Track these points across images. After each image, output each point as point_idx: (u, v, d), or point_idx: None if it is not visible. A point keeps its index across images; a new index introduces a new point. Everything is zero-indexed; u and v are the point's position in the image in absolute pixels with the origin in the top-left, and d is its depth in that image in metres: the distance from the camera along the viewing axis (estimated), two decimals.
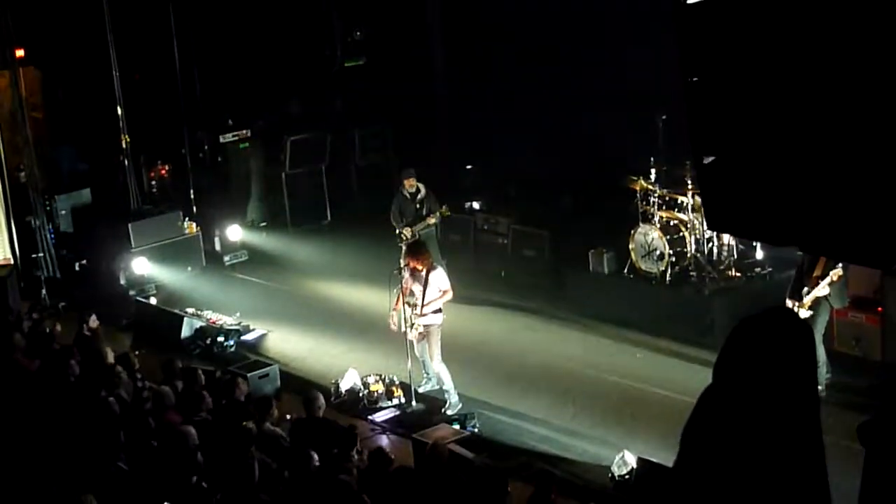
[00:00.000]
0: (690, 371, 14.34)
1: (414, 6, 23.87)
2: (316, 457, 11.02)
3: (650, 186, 17.35)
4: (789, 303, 13.74)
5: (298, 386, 15.53)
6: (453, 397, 14.69)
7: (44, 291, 19.80)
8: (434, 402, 14.97)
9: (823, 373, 14.02)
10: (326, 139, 23.37)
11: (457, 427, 13.72)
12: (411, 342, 14.95)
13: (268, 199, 23.60)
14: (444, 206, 18.43)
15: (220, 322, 17.95)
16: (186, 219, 21.57)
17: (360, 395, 15.16)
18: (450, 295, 15.03)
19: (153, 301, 19.67)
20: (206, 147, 23.42)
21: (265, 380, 15.29)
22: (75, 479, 10.89)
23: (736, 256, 17.08)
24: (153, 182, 23.72)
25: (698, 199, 16.43)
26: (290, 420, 13.30)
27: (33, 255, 20.60)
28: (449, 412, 14.54)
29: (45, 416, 12.56)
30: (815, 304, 13.83)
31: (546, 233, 19.24)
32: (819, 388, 13.86)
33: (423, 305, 14.70)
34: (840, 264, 13.56)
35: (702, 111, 4.29)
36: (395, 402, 15.03)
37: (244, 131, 23.24)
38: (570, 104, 20.66)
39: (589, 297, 17.95)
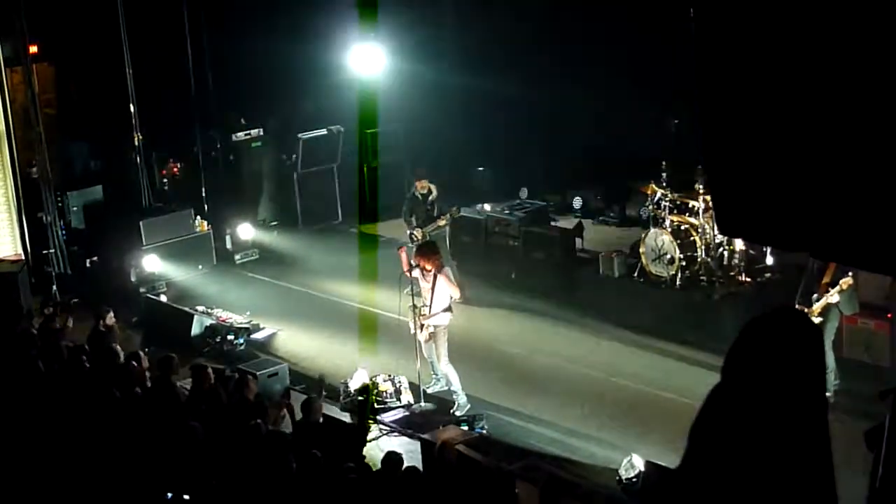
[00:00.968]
0: (699, 375, 14.31)
1: (428, 7, 23.89)
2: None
3: (661, 190, 17.36)
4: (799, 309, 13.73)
5: (308, 385, 15.56)
6: (461, 398, 14.70)
7: (54, 288, 19.83)
8: (442, 403, 14.99)
9: (832, 379, 14.00)
10: (339, 139, 23.38)
11: (465, 428, 13.73)
12: (420, 342, 14.97)
13: (279, 198, 23.62)
14: (454, 208, 18.44)
15: (231, 320, 17.98)
16: (198, 217, 21.60)
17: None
18: (457, 295, 15.05)
19: (163, 298, 19.67)
20: (218, 146, 23.46)
21: (274, 378, 15.30)
22: (86, 473, 10.95)
23: (746, 261, 17.07)
24: (165, 180, 23.75)
25: (709, 203, 16.44)
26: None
27: (44, 252, 20.62)
28: (457, 413, 14.56)
29: (57, 412, 12.61)
30: (825, 311, 13.81)
31: (557, 235, 19.23)
32: (828, 394, 13.82)
33: (431, 306, 14.72)
34: (850, 271, 13.54)
35: (714, 115, 4.29)
36: (404, 402, 15.05)
37: (256, 130, 23.28)
38: (582, 108, 20.69)
39: (599, 300, 17.95)
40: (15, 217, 20.35)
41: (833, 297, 13.73)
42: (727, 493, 3.40)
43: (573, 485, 12.60)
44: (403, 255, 15.04)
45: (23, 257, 20.10)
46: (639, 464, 12.34)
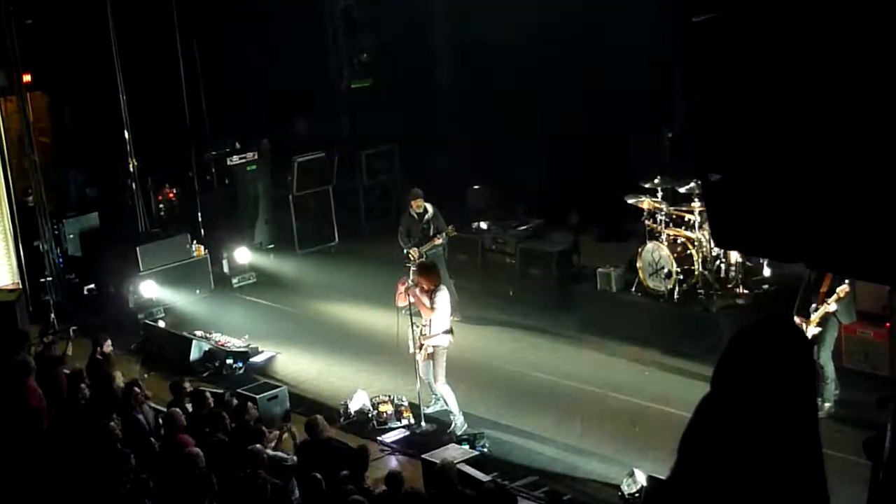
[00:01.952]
0: (699, 389, 14.12)
1: (418, 27, 23.95)
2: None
3: (657, 204, 17.36)
4: (797, 319, 13.71)
5: (308, 408, 15.55)
6: (458, 418, 14.69)
7: (52, 316, 19.82)
8: (443, 423, 14.97)
9: (832, 389, 14.00)
10: (334, 160, 23.40)
11: (466, 447, 13.71)
12: (419, 362, 14.95)
13: (275, 221, 23.63)
14: (450, 226, 18.45)
15: (229, 344, 17.96)
16: (194, 242, 21.60)
17: (370, 416, 15.17)
18: (438, 315, 14.82)
19: (162, 324, 19.67)
20: (213, 170, 23.48)
21: (274, 402, 15.28)
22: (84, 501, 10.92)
23: (744, 273, 17.06)
24: (161, 205, 23.75)
25: (705, 216, 16.45)
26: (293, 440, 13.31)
27: (41, 280, 20.63)
28: (457, 433, 14.54)
29: (55, 440, 12.58)
30: (824, 321, 13.81)
31: (553, 251, 19.23)
32: (828, 404, 13.80)
33: (430, 326, 14.70)
34: (846, 280, 13.55)
35: (707, 127, 4.30)
36: (405, 422, 15.04)
37: (251, 153, 23.30)
38: (576, 123, 20.70)
39: (597, 315, 17.94)
40: (11, 245, 20.35)
41: (830, 306, 13.73)
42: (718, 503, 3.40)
43: (575, 502, 12.60)
44: (402, 288, 14.94)
45: (20, 286, 20.08)
46: (640, 479, 12.33)
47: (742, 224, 4.21)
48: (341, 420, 15.14)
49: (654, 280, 17.36)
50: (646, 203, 17.48)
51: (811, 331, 13.67)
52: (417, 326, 14.79)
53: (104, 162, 23.13)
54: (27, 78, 21.42)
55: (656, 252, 17.20)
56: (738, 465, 3.35)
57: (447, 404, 14.77)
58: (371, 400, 15.35)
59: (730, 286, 17.02)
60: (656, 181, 17.39)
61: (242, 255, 22.11)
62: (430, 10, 23.87)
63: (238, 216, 23.41)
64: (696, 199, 16.82)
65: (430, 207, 18.40)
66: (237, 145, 23.31)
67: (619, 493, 12.52)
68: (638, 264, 17.52)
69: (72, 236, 22.24)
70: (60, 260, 21.35)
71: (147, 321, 19.65)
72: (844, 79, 3.74)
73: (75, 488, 11.59)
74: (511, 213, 21.16)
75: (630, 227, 20.07)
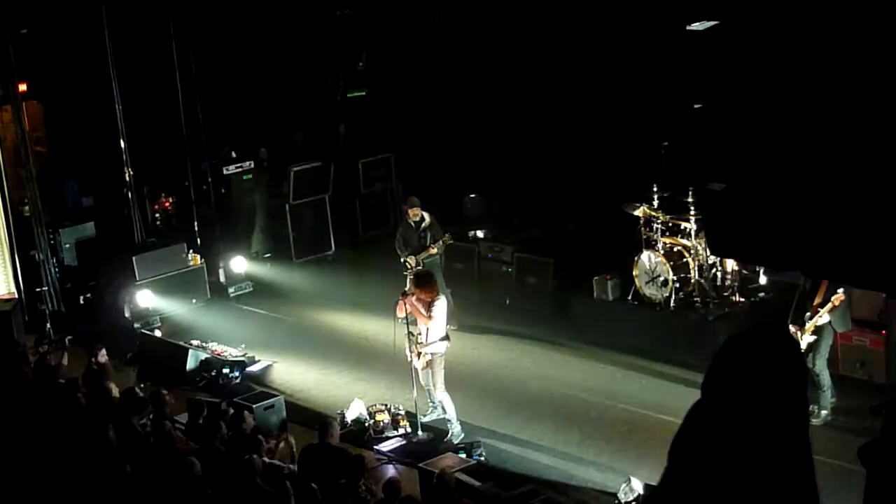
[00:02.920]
0: (695, 396, 14.26)
1: (415, 36, 23.99)
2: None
3: (653, 213, 17.38)
4: (792, 328, 13.73)
5: (304, 417, 15.55)
6: (455, 427, 14.69)
7: (48, 325, 19.80)
8: (439, 432, 14.96)
9: (828, 396, 14.02)
10: (330, 169, 23.41)
11: (463, 456, 13.71)
12: (416, 371, 14.95)
13: (272, 230, 23.63)
14: (447, 235, 18.45)
15: (226, 354, 17.94)
16: (190, 251, 21.58)
17: (366, 425, 15.17)
18: (435, 324, 14.83)
19: (158, 333, 19.65)
20: (209, 179, 23.48)
21: (271, 411, 15.27)
22: None
23: (740, 281, 17.08)
24: (157, 214, 23.74)
25: (701, 224, 16.47)
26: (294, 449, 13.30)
27: (37, 289, 20.62)
28: (453, 441, 14.53)
29: (51, 450, 12.56)
30: (819, 329, 13.83)
31: (550, 260, 19.24)
32: (824, 412, 13.81)
33: (427, 334, 14.71)
34: (841, 288, 13.57)
35: (705, 138, 4.32)
36: (401, 431, 15.03)
37: (247, 162, 23.31)
38: (572, 131, 20.72)
39: (593, 324, 17.96)
40: (7, 255, 20.35)
41: (824, 317, 13.75)
42: None
43: None
44: (401, 303, 14.90)
45: (16, 296, 20.07)
46: (637, 487, 12.34)
47: (738, 233, 4.23)
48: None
49: (650, 288, 17.38)
50: (642, 211, 17.50)
51: (806, 339, 13.69)
52: (414, 335, 14.78)
53: (100, 171, 23.13)
54: (23, 87, 21.44)
55: (652, 260, 17.22)
56: (728, 472, 3.36)
57: (445, 412, 14.76)
58: (368, 409, 15.35)
59: (726, 294, 17.04)
60: (652, 190, 17.41)
61: (239, 264, 22.10)
62: (427, 18, 23.89)
63: (234, 225, 23.40)
64: (692, 208, 16.84)
65: (427, 216, 18.39)
66: (233, 154, 23.32)
67: (616, 501, 12.53)
68: (634, 273, 17.54)
69: (68, 246, 22.22)
70: (56, 269, 21.33)
71: (143, 330, 19.64)
72: (841, 91, 3.76)
73: (71, 495, 11.59)
74: (508, 221, 21.16)
75: (626, 235, 20.09)
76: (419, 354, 14.75)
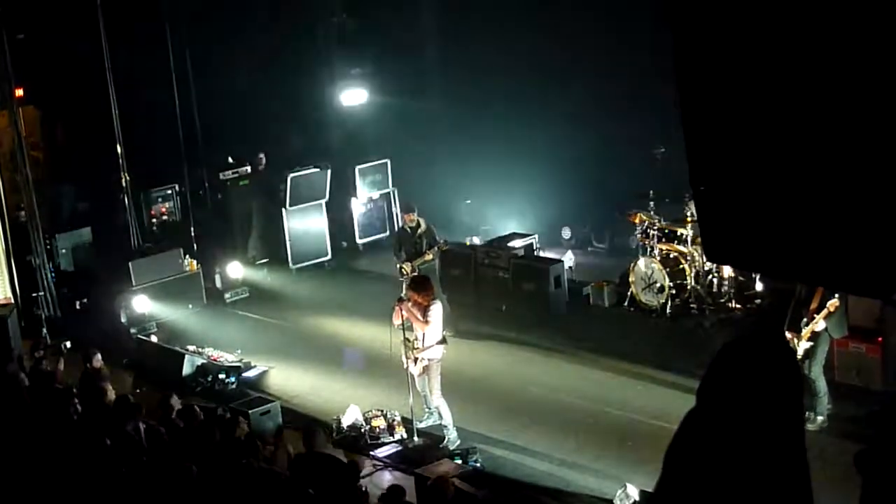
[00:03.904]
0: (692, 403, 14.25)
1: (412, 41, 24.02)
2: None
3: (649, 219, 17.39)
4: (788, 335, 13.72)
5: (300, 422, 15.52)
6: (451, 433, 14.67)
7: (44, 330, 19.79)
8: (435, 438, 14.95)
9: (825, 403, 14.00)
10: (327, 175, 23.42)
11: (459, 462, 13.69)
12: (412, 376, 14.94)
13: (268, 236, 23.62)
14: (442, 241, 18.45)
15: (222, 359, 17.93)
16: (187, 256, 21.58)
17: (362, 430, 15.15)
18: (432, 328, 14.83)
19: (154, 339, 19.64)
20: (206, 184, 23.45)
21: (266, 416, 15.25)
22: None
23: (736, 288, 17.09)
24: (153, 220, 23.74)
25: (697, 230, 16.49)
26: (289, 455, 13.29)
27: (34, 294, 20.60)
28: (449, 447, 14.52)
29: (47, 455, 12.54)
30: (815, 335, 13.82)
31: (547, 266, 19.24)
32: (820, 418, 13.77)
33: (423, 339, 14.69)
34: (836, 294, 13.56)
35: (699, 142, 4.32)
36: (397, 437, 15.02)
37: (244, 168, 23.31)
38: (568, 138, 20.74)
39: (590, 330, 17.96)
40: (3, 260, 20.32)
41: (820, 323, 13.74)
42: None
43: None
44: (397, 309, 14.88)
45: (12, 301, 20.05)
46: (634, 493, 12.33)
47: (734, 239, 4.23)
48: (334, 435, 15.11)
49: (646, 295, 17.39)
50: (638, 218, 17.52)
51: (802, 345, 13.68)
52: (410, 341, 14.77)
53: (97, 176, 23.13)
54: (19, 93, 21.43)
55: (649, 267, 17.23)
56: (724, 479, 3.36)
57: (442, 418, 14.75)
58: (363, 415, 15.33)
59: (722, 300, 17.06)
60: (649, 196, 17.43)
61: (235, 269, 22.10)
62: (423, 24, 23.93)
63: (231, 231, 23.40)
64: (688, 214, 16.85)
65: (422, 222, 18.40)
66: (230, 160, 23.32)
67: None
68: (631, 279, 17.55)
69: (64, 251, 22.22)
70: (53, 275, 21.32)
71: (139, 336, 19.63)
72: (836, 96, 3.76)
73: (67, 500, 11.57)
74: (504, 227, 21.17)
75: (623, 241, 20.12)
76: (416, 360, 14.74)
